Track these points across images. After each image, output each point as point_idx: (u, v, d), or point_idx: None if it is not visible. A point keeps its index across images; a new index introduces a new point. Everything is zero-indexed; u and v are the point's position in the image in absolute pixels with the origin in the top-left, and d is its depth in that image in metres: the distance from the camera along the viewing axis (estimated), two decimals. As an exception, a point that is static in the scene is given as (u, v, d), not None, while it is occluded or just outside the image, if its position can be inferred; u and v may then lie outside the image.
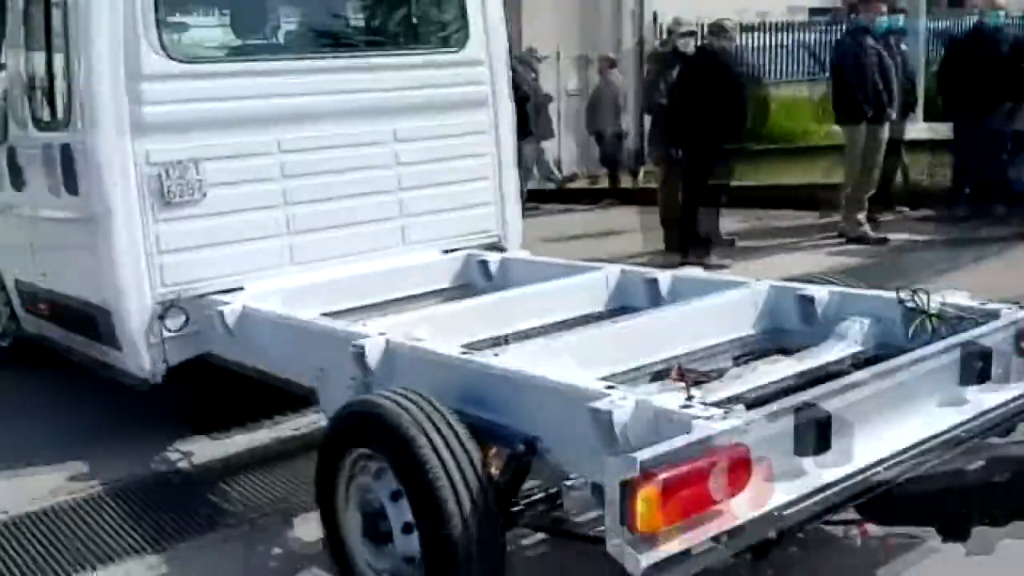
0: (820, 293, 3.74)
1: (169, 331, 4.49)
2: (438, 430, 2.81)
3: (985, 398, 3.05)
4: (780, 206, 10.35)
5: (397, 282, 4.93)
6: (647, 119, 10.58)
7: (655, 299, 4.26)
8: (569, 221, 11.17)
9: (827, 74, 10.85)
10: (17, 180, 5.17)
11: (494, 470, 2.88)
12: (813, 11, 19.14)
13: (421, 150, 5.15)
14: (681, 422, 2.48)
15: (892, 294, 3.46)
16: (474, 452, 2.80)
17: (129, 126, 4.32)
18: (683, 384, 2.83)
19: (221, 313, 4.26)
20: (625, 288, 4.46)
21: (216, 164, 4.53)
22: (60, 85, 4.65)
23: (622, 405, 2.58)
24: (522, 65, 11.42)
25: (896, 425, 2.82)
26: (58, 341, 5.32)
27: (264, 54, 5.01)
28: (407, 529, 2.90)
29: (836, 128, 9.70)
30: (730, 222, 9.03)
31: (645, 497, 2.21)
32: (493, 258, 5.15)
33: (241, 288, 4.57)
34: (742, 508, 2.40)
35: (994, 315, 3.24)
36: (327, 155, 4.85)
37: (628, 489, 2.22)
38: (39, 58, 4.84)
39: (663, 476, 2.24)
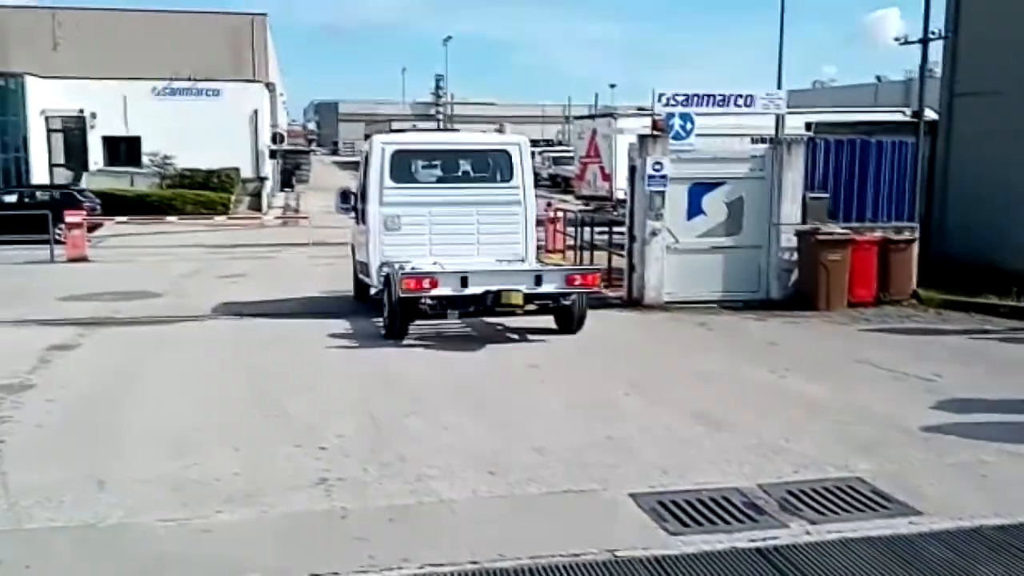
0: (547, 270, 11.51)
1: (383, 273, 13.17)
2: (395, 275, 11.26)
3: (539, 289, 10.85)
4: None
5: (471, 266, 13.15)
6: None
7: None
8: None
9: None
10: (358, 219, 14.28)
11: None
12: None
13: (488, 218, 13.37)
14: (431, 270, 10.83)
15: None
16: (400, 280, 11.08)
17: (378, 202, 13.16)
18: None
19: (393, 266, 12.91)
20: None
21: (406, 217, 13.17)
22: (365, 188, 13.67)
23: (420, 267, 10.90)
24: None
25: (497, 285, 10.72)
26: (363, 280, 14.31)
27: (424, 180, 13.79)
28: (388, 303, 11.39)
29: None
30: None
31: (403, 281, 10.68)
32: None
33: (408, 262, 13.10)
34: (433, 292, 10.72)
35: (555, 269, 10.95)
36: (448, 218, 13.26)
37: (400, 277, 10.69)
38: (362, 179, 13.98)
39: (407, 277, 10.75)
